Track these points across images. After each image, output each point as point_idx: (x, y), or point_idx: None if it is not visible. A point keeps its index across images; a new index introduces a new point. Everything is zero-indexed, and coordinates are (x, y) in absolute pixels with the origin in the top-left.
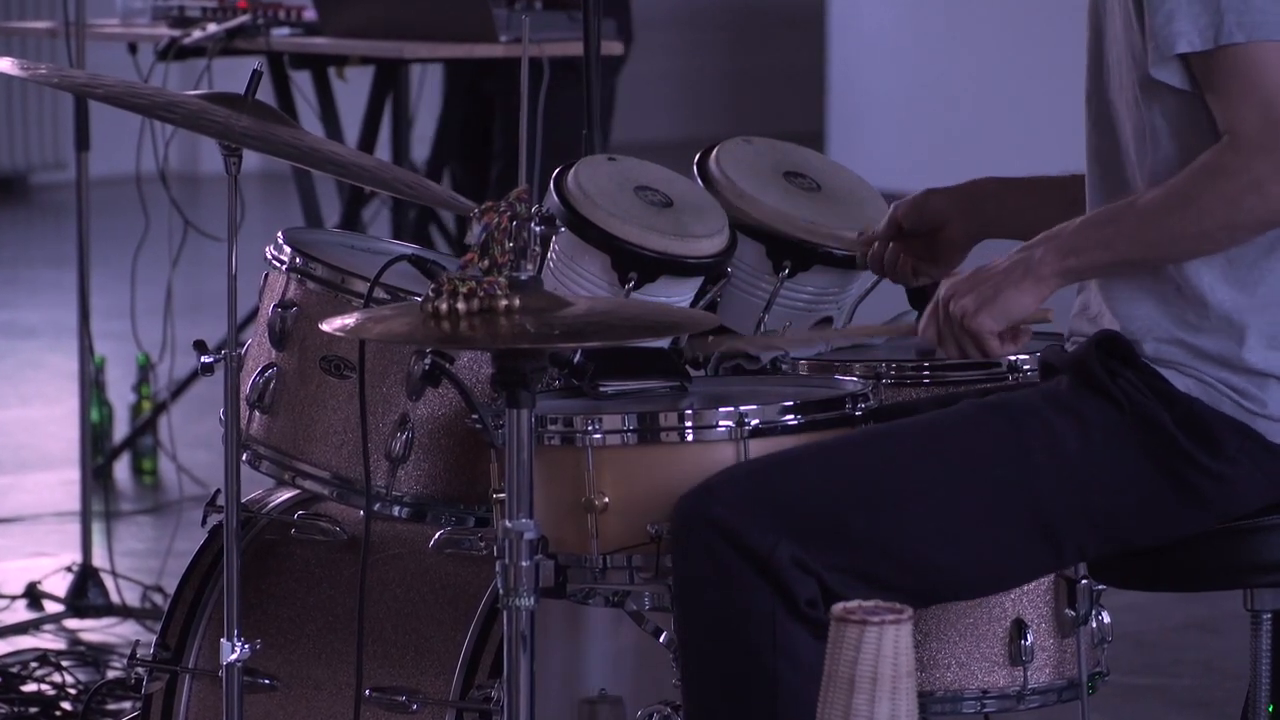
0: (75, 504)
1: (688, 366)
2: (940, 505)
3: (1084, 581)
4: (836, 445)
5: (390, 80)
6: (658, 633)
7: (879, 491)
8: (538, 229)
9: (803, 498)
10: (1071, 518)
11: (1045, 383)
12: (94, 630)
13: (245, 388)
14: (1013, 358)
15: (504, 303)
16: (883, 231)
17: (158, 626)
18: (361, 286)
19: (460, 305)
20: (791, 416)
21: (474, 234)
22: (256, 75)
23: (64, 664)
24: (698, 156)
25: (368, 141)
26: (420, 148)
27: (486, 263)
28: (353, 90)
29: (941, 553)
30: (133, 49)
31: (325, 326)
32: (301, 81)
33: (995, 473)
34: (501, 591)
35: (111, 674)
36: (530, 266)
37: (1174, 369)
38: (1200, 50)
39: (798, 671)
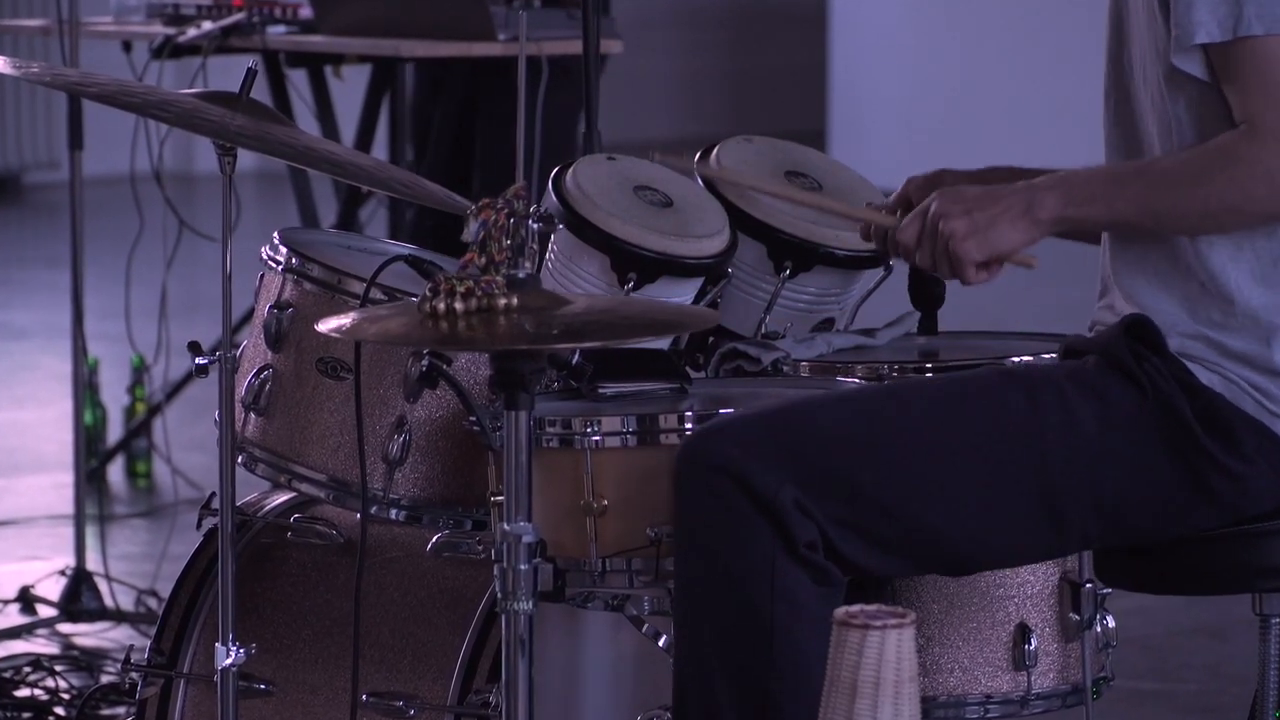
0: (69, 507)
1: (688, 368)
2: (946, 470)
3: (1089, 585)
4: (851, 396)
5: (387, 79)
6: (658, 636)
7: (888, 448)
8: (536, 226)
9: (811, 445)
10: (1079, 500)
11: (1071, 360)
12: (88, 635)
13: (240, 390)
14: (1018, 359)
15: (502, 302)
16: (891, 204)
17: (152, 631)
18: (358, 287)
19: (458, 305)
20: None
21: (471, 231)
22: (251, 73)
23: (57, 669)
24: (698, 156)
25: (364, 141)
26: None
27: (484, 260)
28: (349, 89)
29: (941, 518)
30: (127, 47)
31: (321, 327)
32: (297, 80)
33: (1007, 443)
34: (500, 595)
35: (105, 679)
36: (528, 265)
37: (1199, 363)
38: (1219, 41)
39: (795, 616)
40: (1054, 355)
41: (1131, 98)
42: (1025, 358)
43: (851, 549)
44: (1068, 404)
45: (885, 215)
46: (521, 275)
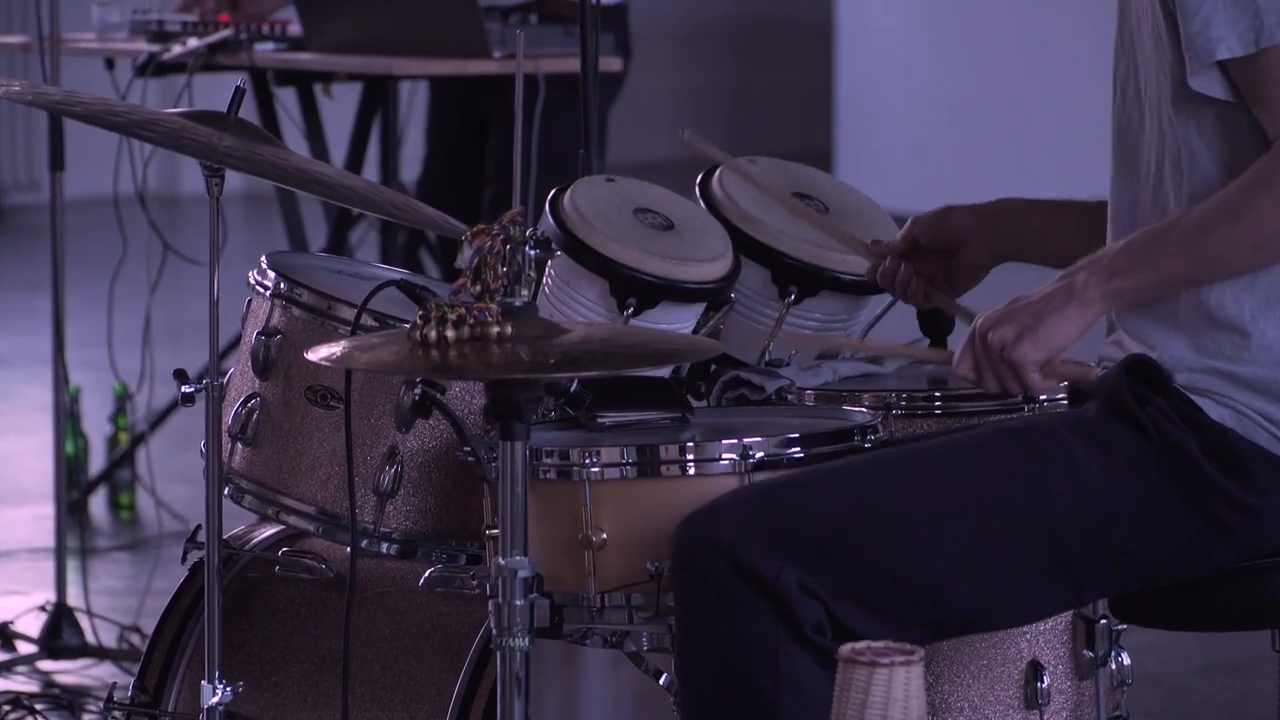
0: (49, 540)
1: (689, 397)
2: (952, 533)
3: (1103, 621)
4: (847, 468)
5: (379, 97)
6: (658, 674)
7: (889, 516)
8: (532, 253)
9: (810, 521)
10: (1092, 551)
11: (1071, 409)
12: (69, 672)
13: (227, 419)
14: None
15: (496, 330)
16: (897, 246)
17: (135, 668)
18: (348, 313)
19: (450, 333)
20: (797, 449)
21: (464, 258)
22: (239, 92)
23: (38, 707)
24: (700, 177)
25: (355, 161)
26: (410, 167)
27: (478, 288)
28: (339, 108)
29: (952, 583)
30: (110, 65)
31: (311, 355)
32: (286, 99)
33: (1012, 501)
34: (495, 632)
35: (87, 718)
36: (525, 292)
37: (1209, 397)
38: (1241, 55)
39: (801, 703)
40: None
41: (1139, 122)
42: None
43: (861, 624)
44: (1071, 455)
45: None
46: (518, 303)
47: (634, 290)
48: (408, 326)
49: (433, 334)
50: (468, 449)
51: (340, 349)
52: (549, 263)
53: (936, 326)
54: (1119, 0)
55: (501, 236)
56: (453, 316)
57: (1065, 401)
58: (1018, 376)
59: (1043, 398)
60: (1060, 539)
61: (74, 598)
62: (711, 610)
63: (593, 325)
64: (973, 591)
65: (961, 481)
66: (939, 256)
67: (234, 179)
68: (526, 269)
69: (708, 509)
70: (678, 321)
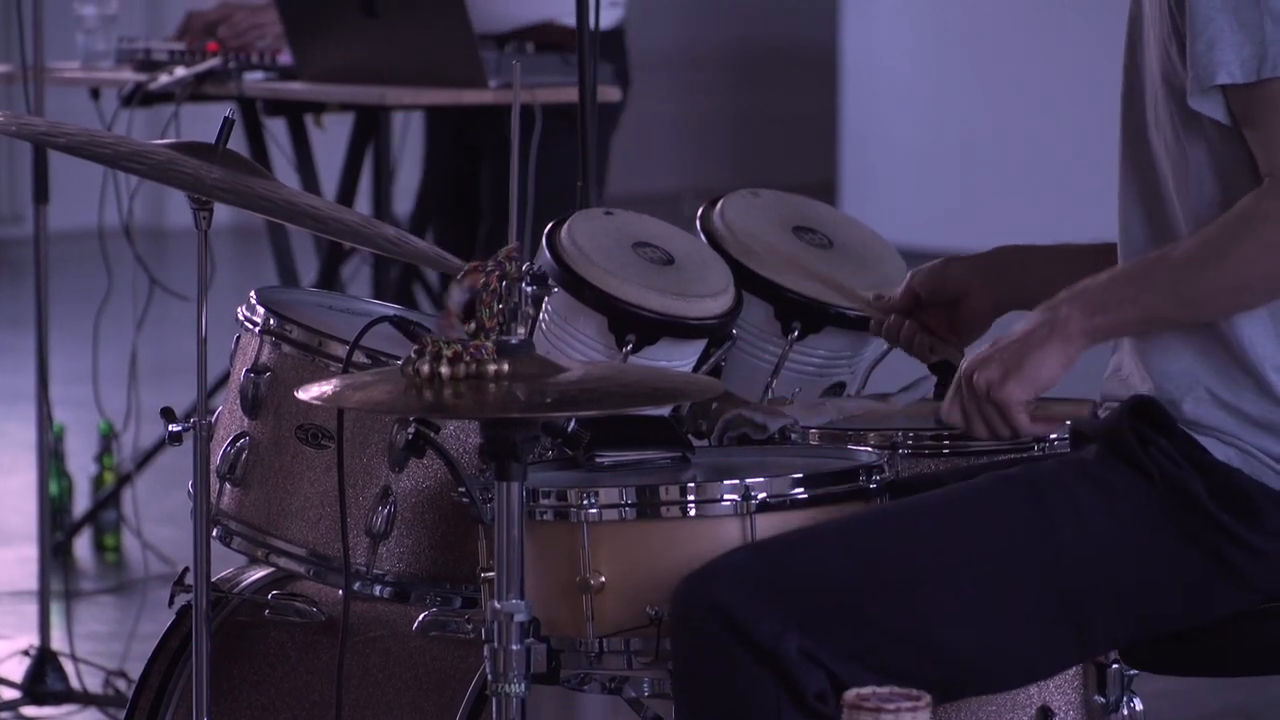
0: (33, 583)
1: (690, 436)
2: (956, 588)
3: (1114, 666)
4: (847, 524)
5: (371, 128)
6: None
7: (892, 573)
8: (529, 289)
9: (811, 582)
10: (1099, 600)
11: (1072, 453)
12: (53, 718)
13: (215, 458)
14: None
15: (492, 368)
16: (899, 302)
17: (121, 715)
18: (340, 350)
19: (444, 369)
20: (801, 490)
21: (453, 299)
22: (228, 123)
23: None
24: (701, 210)
25: (347, 194)
26: (403, 200)
27: (473, 325)
28: (331, 139)
29: (958, 639)
30: (95, 94)
31: (301, 394)
32: (276, 129)
33: (1016, 552)
34: (490, 677)
35: None
36: (521, 330)
37: (1214, 436)
38: (1241, 83)
39: None
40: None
41: (1145, 140)
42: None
43: (866, 685)
44: (1074, 502)
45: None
46: (514, 341)
47: (633, 327)
48: (400, 363)
49: (426, 369)
50: (463, 489)
51: (331, 387)
52: (546, 298)
53: (944, 372)
54: (1129, 19)
55: (497, 273)
56: (448, 353)
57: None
58: (1004, 418)
59: (1052, 436)
60: (1066, 588)
61: (58, 642)
62: (711, 676)
63: (591, 364)
64: (978, 648)
65: (964, 534)
66: (941, 308)
67: (222, 212)
68: (523, 306)
69: (707, 570)
70: (678, 359)
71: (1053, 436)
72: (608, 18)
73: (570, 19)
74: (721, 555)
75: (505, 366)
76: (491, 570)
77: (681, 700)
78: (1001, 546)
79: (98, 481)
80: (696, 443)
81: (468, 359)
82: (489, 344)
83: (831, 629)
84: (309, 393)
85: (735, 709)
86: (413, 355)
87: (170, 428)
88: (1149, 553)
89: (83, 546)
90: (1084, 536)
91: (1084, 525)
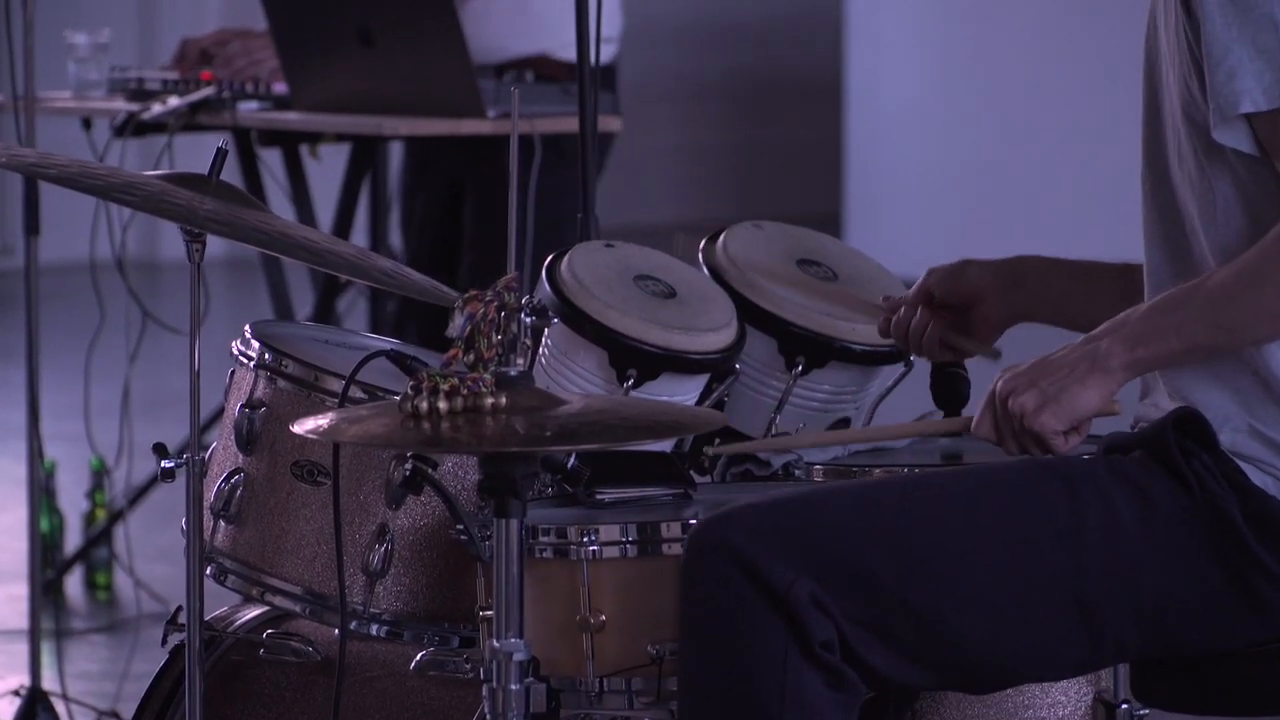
0: (23, 621)
1: (692, 472)
2: (975, 567)
3: (1124, 705)
4: (873, 485)
5: (368, 159)
6: None
7: (912, 544)
8: (528, 320)
9: (830, 536)
10: (1117, 606)
11: (1112, 456)
12: None
13: (209, 495)
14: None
15: (490, 401)
16: (912, 297)
17: None
18: (336, 385)
19: (442, 404)
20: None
21: (456, 326)
22: (222, 153)
23: None
24: (703, 242)
25: (343, 225)
26: (401, 232)
27: (471, 357)
28: (327, 169)
29: (966, 619)
30: (87, 124)
31: (297, 428)
32: (271, 160)
33: (1041, 541)
34: (489, 718)
35: None
36: (520, 361)
37: (1252, 463)
38: (1265, 110)
39: None
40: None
41: (1168, 177)
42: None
43: (869, 651)
44: (1108, 501)
45: (952, 422)
46: (513, 373)
47: (634, 361)
48: (398, 398)
49: (424, 405)
50: (461, 527)
51: (327, 421)
52: (545, 332)
53: (952, 396)
54: (1145, 51)
55: (495, 303)
56: (445, 387)
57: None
58: (1040, 445)
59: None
60: (1086, 588)
61: (49, 682)
62: (719, 617)
63: (591, 396)
64: (985, 631)
65: (991, 516)
66: (953, 311)
67: (216, 244)
68: (522, 337)
69: (723, 514)
70: (680, 393)
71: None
72: (603, 54)
73: (565, 53)
74: (740, 502)
75: (503, 399)
76: (490, 609)
77: (687, 642)
78: (1027, 534)
79: (89, 518)
80: (698, 479)
81: (465, 392)
82: (487, 376)
83: (843, 586)
84: (304, 426)
85: (742, 651)
86: (409, 391)
87: (163, 464)
88: (1175, 565)
89: (74, 584)
90: (1113, 539)
91: (1115, 527)
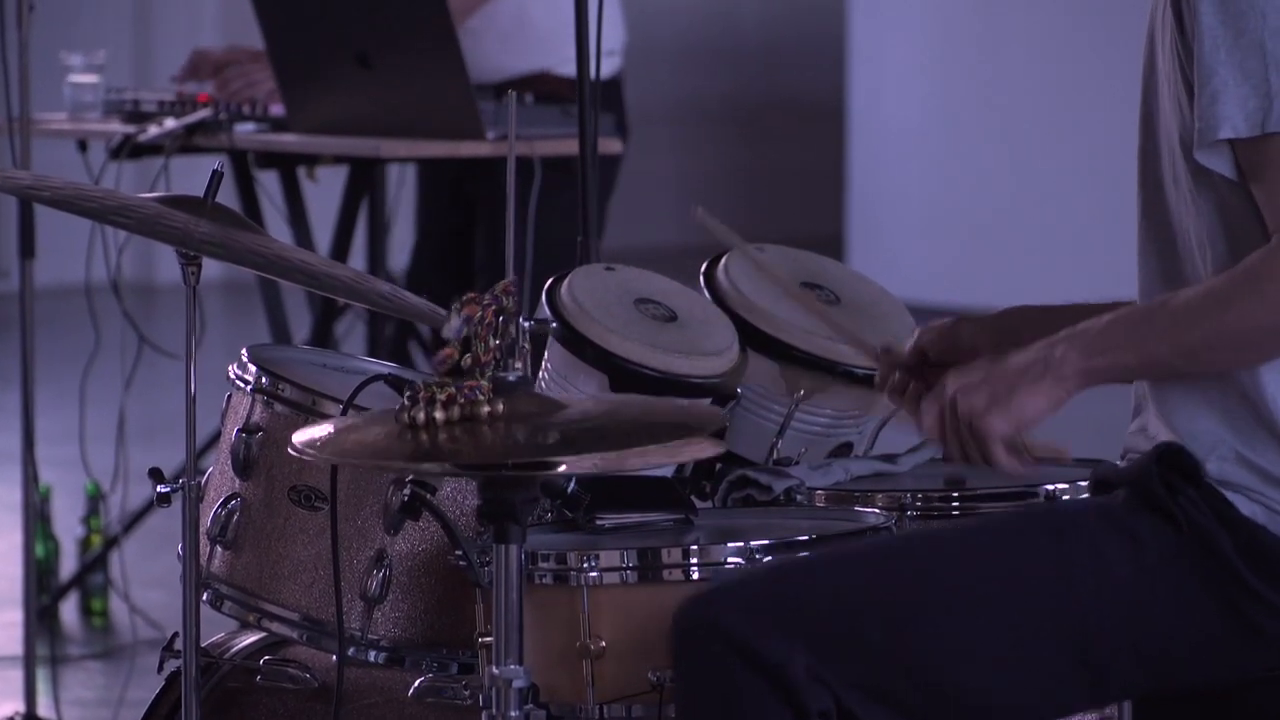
0: (18, 648)
1: (693, 497)
2: (970, 623)
3: None
4: (858, 549)
5: (365, 181)
6: None
7: (902, 600)
8: (527, 325)
9: (821, 603)
10: (1116, 649)
11: (1097, 497)
12: None
13: (206, 520)
14: (1050, 486)
15: (486, 409)
16: (906, 360)
17: None
18: (334, 409)
19: (439, 414)
20: (807, 552)
21: (452, 327)
22: (218, 176)
23: None
24: (705, 266)
25: (341, 249)
26: (399, 255)
27: (469, 361)
28: (324, 192)
29: (967, 675)
30: (82, 146)
31: (297, 437)
32: (268, 182)
33: (1032, 591)
34: None
35: None
36: (519, 366)
37: (1240, 493)
38: (1246, 137)
39: None
40: (1086, 482)
41: (1162, 196)
42: (1059, 485)
43: (870, 715)
44: (1097, 546)
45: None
46: (511, 378)
47: (635, 385)
48: (395, 411)
49: (421, 415)
50: (460, 552)
51: (325, 431)
52: (545, 355)
53: None
54: (1143, 73)
55: (493, 307)
56: (442, 397)
57: (1085, 492)
58: (982, 448)
59: (1064, 494)
60: (1083, 634)
61: (44, 709)
62: (714, 700)
63: (590, 399)
64: (988, 686)
65: (983, 569)
66: (948, 370)
67: (212, 267)
68: (520, 341)
69: (709, 591)
70: None
71: (1065, 497)
72: (606, 67)
73: (565, 68)
74: (724, 578)
75: (500, 406)
76: (489, 635)
77: None
78: (1019, 585)
79: (84, 544)
80: (700, 504)
81: (462, 400)
82: (484, 383)
83: (838, 653)
84: (303, 436)
85: None
86: (405, 402)
87: (159, 489)
88: (1171, 603)
89: (69, 611)
90: (1105, 581)
91: (1106, 570)
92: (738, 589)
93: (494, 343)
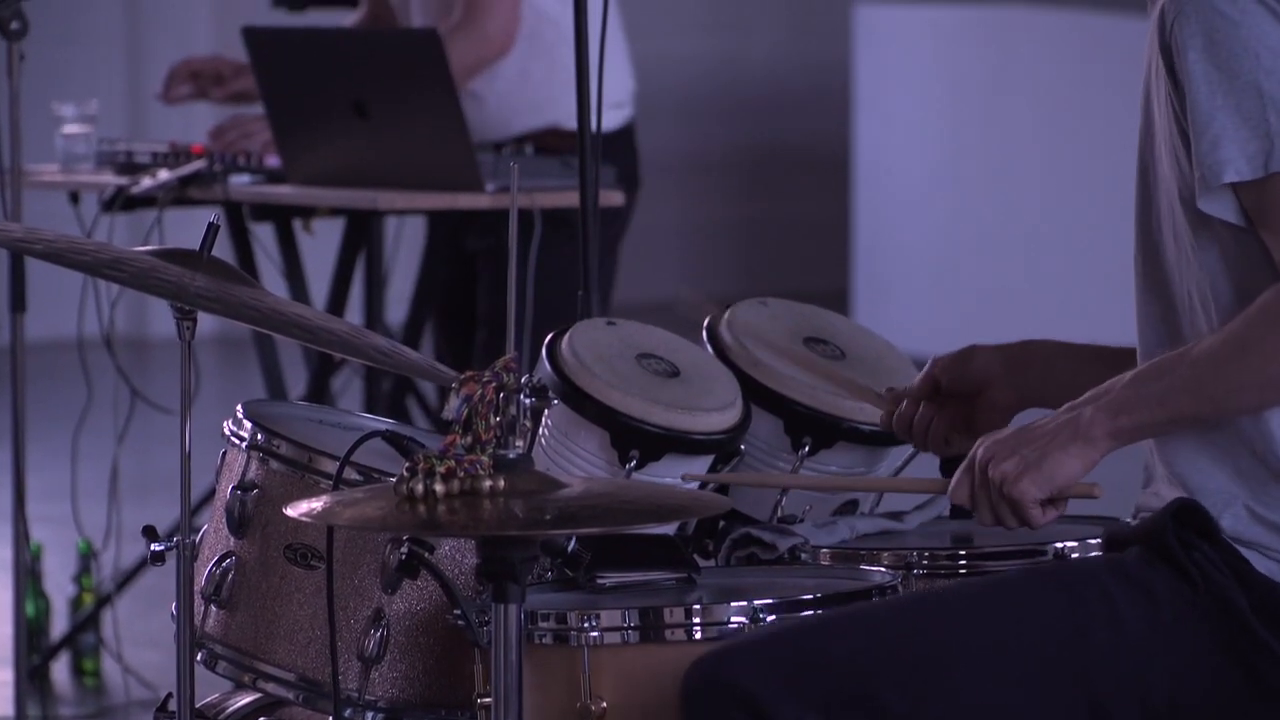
0: (8, 708)
1: (696, 556)
2: (982, 682)
3: None
4: (871, 609)
5: (363, 234)
6: None
7: (918, 663)
8: (527, 402)
9: (834, 665)
10: (1127, 704)
11: (1111, 552)
12: None
13: (200, 579)
14: (1060, 544)
15: (488, 484)
16: (916, 389)
17: None
18: (331, 466)
19: (438, 487)
20: (812, 611)
21: (453, 408)
22: (214, 229)
23: None
24: (708, 320)
25: (337, 302)
26: (396, 308)
27: (469, 439)
28: (321, 245)
29: None
30: (75, 198)
31: (290, 510)
32: (264, 235)
33: (1046, 650)
34: None
35: None
36: (519, 444)
37: (1255, 549)
38: (1250, 179)
39: None
40: (1097, 540)
41: (1160, 253)
42: (1069, 543)
43: None
44: (1111, 602)
45: (930, 481)
46: (511, 455)
47: (637, 442)
48: (394, 480)
49: (420, 488)
50: (458, 612)
51: (321, 504)
52: (546, 412)
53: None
54: (1141, 126)
55: (494, 384)
56: (441, 469)
57: (1096, 550)
58: (1017, 514)
59: (1073, 551)
60: (1096, 693)
61: None
62: None
63: (592, 479)
64: None
65: (995, 628)
66: (960, 400)
67: (207, 321)
68: (521, 419)
69: (721, 651)
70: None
71: (1074, 555)
72: (614, 119)
73: (573, 123)
74: (734, 638)
75: (501, 483)
76: (489, 696)
77: None
78: (1032, 643)
79: (76, 602)
80: (702, 563)
81: (462, 474)
82: (485, 458)
83: (852, 714)
84: (298, 509)
85: None
86: (405, 473)
87: (152, 547)
88: (1184, 660)
89: (61, 670)
90: (1119, 638)
91: (1119, 627)
92: (750, 649)
93: (494, 420)
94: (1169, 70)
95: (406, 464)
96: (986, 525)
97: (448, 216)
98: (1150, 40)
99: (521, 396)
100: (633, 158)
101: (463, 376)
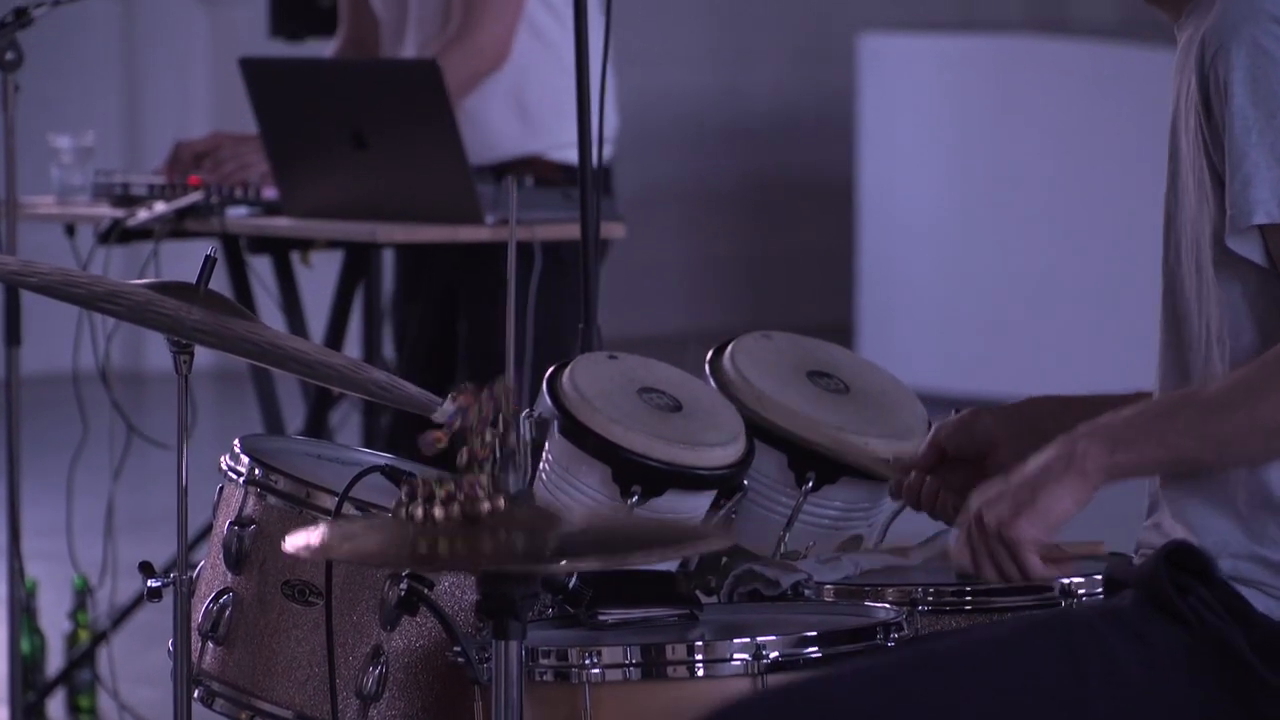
0: None
1: (698, 593)
2: None
3: None
4: (868, 666)
5: (361, 266)
6: None
7: (912, 716)
8: (525, 422)
9: None
10: None
11: (1106, 600)
12: None
13: (197, 615)
14: (1066, 580)
15: (486, 505)
16: (922, 458)
17: None
18: (329, 501)
19: (438, 511)
20: (815, 649)
21: (445, 412)
22: (211, 261)
23: None
24: (710, 354)
25: (335, 336)
26: (394, 344)
27: (464, 458)
28: (319, 277)
29: None
30: (70, 231)
31: (288, 544)
32: (261, 268)
33: (1044, 702)
34: None
35: None
36: (518, 476)
37: (1256, 588)
38: (1278, 222)
39: None
40: (1096, 575)
41: (1182, 290)
42: (1075, 580)
43: None
44: (1108, 650)
45: (933, 545)
46: (513, 489)
47: (639, 477)
48: (391, 509)
49: (419, 513)
50: (458, 649)
51: (319, 537)
52: (546, 446)
53: None
54: (1169, 161)
55: (491, 404)
56: (440, 494)
57: (1101, 592)
58: (1015, 558)
59: (1080, 589)
60: None
61: None
62: None
63: (594, 513)
64: None
65: (992, 681)
66: (966, 465)
67: (204, 355)
68: (520, 451)
69: (719, 714)
70: (686, 511)
71: (1080, 591)
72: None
73: (557, 154)
74: (734, 700)
75: (500, 501)
76: None
77: None
78: (1029, 693)
79: (72, 639)
80: (705, 599)
81: (462, 497)
82: (482, 478)
83: None
84: (295, 542)
85: None
86: (403, 498)
87: (149, 583)
88: (1184, 706)
89: (56, 708)
90: (1116, 687)
91: (1117, 675)
92: (749, 712)
93: (489, 436)
94: (1204, 104)
95: (404, 489)
96: (990, 579)
97: (417, 248)
98: (1179, 67)
99: (520, 417)
100: (611, 195)
101: (459, 388)
